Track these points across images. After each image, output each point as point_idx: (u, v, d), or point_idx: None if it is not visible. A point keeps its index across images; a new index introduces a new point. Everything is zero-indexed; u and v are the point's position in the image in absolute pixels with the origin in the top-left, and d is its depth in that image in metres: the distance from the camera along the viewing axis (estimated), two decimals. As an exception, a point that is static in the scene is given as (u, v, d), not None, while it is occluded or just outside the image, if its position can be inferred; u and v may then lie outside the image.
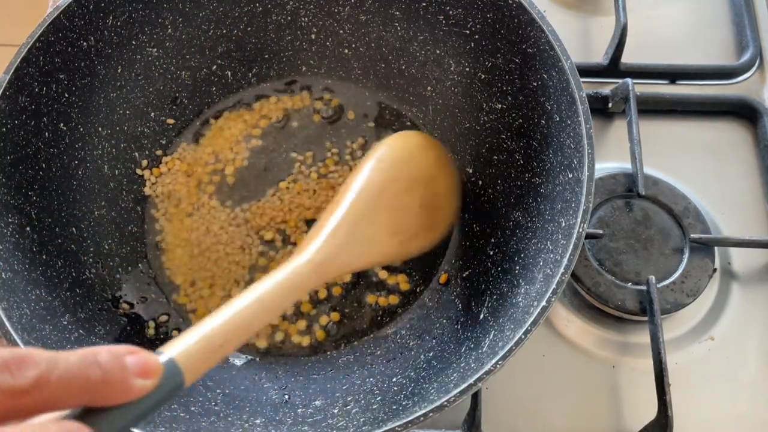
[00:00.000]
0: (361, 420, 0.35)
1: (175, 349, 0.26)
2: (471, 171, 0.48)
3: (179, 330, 0.44)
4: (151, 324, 0.44)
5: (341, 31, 0.50)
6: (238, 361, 0.44)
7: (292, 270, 0.33)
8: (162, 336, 0.44)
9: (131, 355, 0.23)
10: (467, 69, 0.46)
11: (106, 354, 0.22)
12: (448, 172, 0.45)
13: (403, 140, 0.44)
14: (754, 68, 0.55)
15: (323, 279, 0.35)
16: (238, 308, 0.30)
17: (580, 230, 0.34)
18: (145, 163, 0.49)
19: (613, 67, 0.54)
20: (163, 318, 0.45)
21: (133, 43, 0.46)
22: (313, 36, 0.51)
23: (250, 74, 0.52)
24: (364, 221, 0.38)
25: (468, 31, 0.45)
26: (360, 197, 0.38)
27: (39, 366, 0.20)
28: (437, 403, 0.32)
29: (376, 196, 0.39)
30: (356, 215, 0.38)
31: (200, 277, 0.46)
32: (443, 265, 0.47)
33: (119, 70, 0.46)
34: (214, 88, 0.51)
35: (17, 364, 0.20)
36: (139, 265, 0.46)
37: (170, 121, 0.50)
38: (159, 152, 0.49)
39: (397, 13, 0.48)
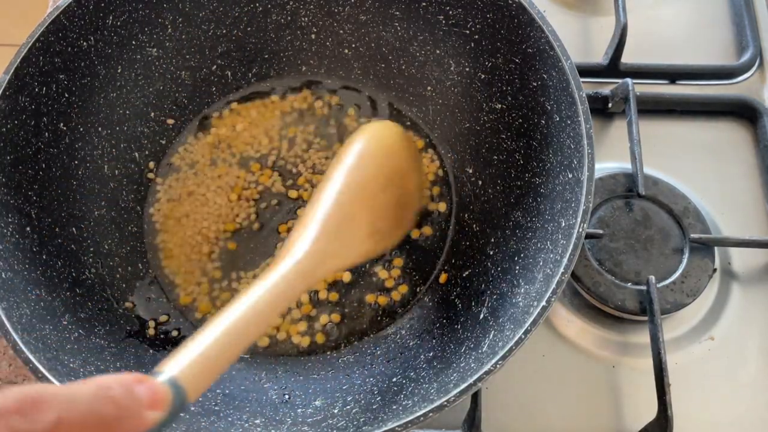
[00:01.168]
0: (361, 420, 0.35)
1: (176, 367, 0.26)
2: (471, 171, 0.48)
3: (179, 330, 0.44)
4: (151, 324, 0.44)
5: (341, 31, 0.50)
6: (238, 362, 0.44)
7: (282, 277, 0.32)
8: (162, 336, 0.44)
9: (140, 384, 0.23)
10: (467, 69, 0.46)
11: (118, 387, 0.22)
12: (418, 167, 0.45)
13: (381, 133, 0.43)
14: (754, 68, 0.55)
15: (310, 285, 0.35)
16: (232, 319, 0.29)
17: (580, 230, 0.34)
18: (152, 165, 0.49)
19: (613, 67, 0.54)
20: (163, 318, 0.45)
21: (133, 43, 0.46)
22: (313, 36, 0.51)
23: (250, 74, 0.52)
24: (346, 223, 0.37)
25: (468, 31, 0.45)
26: (342, 198, 0.37)
27: (54, 408, 0.20)
28: (437, 403, 0.32)
29: (358, 196, 0.38)
30: (339, 218, 0.37)
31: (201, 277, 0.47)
32: (443, 265, 0.47)
33: (119, 70, 0.46)
34: (214, 88, 0.51)
35: (32, 407, 0.19)
36: (139, 264, 0.46)
37: (170, 121, 0.50)
38: (160, 153, 0.49)
39: (397, 13, 0.48)
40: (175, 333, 0.44)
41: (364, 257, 0.38)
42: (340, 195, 0.38)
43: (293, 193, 0.49)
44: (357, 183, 0.39)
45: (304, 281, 0.33)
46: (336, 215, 0.37)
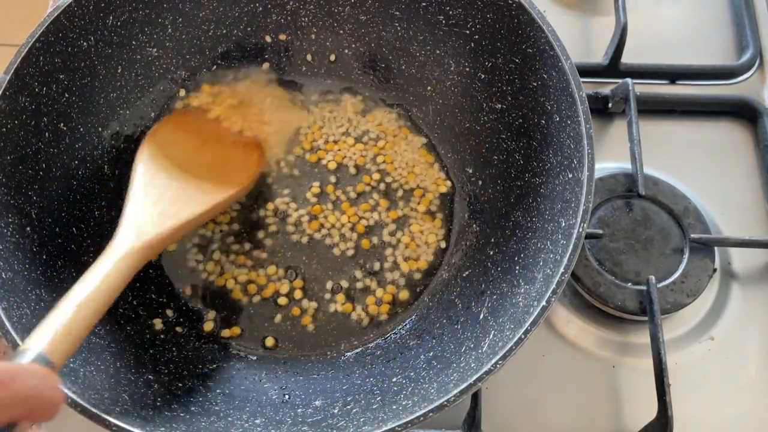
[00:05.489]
0: (361, 420, 0.35)
1: (41, 342, 0.30)
2: (471, 171, 0.48)
3: (181, 327, 0.44)
4: (156, 321, 0.44)
5: (341, 31, 0.50)
6: (239, 363, 0.44)
7: (123, 254, 0.37)
8: (162, 335, 0.44)
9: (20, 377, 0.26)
10: (467, 69, 0.46)
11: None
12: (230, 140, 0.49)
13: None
14: (754, 68, 0.55)
15: (152, 251, 0.39)
16: (83, 296, 0.33)
17: (580, 230, 0.34)
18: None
19: (613, 67, 0.54)
20: (162, 318, 0.45)
21: (133, 43, 0.46)
22: (313, 36, 0.51)
23: (250, 74, 0.52)
24: (157, 191, 0.42)
25: (468, 31, 0.45)
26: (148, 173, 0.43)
27: None
28: (437, 403, 0.32)
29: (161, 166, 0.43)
30: (147, 189, 0.41)
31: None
32: (443, 264, 0.47)
33: (119, 70, 0.46)
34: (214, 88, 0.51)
35: None
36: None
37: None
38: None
39: (397, 13, 0.48)
40: (179, 329, 0.44)
41: (204, 210, 0.42)
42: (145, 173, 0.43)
43: (293, 183, 0.49)
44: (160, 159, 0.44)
45: (143, 250, 0.38)
46: (143, 189, 0.41)
